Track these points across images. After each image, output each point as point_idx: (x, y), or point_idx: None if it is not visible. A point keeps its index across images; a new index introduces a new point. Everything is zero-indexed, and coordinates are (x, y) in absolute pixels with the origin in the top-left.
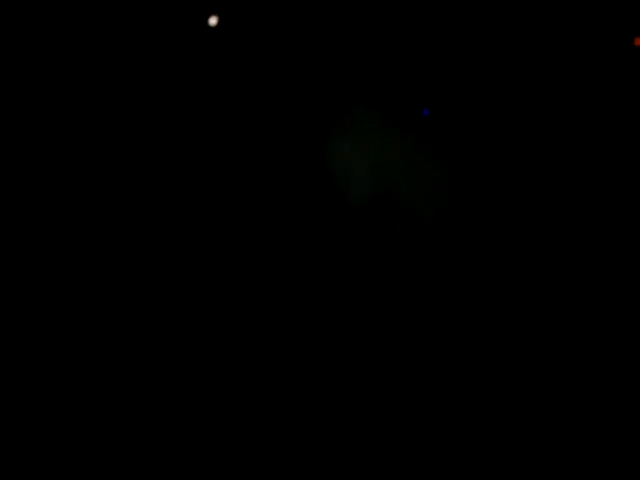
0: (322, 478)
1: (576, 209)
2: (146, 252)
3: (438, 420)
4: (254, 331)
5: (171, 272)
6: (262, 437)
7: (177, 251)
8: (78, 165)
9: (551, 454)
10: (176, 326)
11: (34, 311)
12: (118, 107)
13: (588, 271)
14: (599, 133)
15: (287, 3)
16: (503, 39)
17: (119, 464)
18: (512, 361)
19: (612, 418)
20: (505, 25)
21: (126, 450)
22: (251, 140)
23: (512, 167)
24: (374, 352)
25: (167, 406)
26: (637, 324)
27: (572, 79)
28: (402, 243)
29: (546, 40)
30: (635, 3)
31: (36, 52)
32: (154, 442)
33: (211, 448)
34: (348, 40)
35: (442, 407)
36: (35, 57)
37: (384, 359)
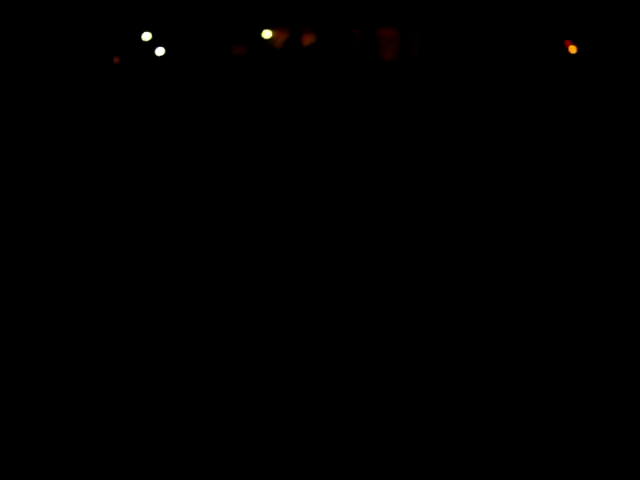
0: (322, 478)
1: (575, 209)
2: (145, 252)
3: (438, 420)
4: (254, 331)
5: (170, 271)
6: (261, 437)
7: (176, 250)
8: (77, 165)
9: (551, 454)
10: (175, 326)
11: (34, 311)
12: (117, 107)
13: (588, 270)
14: (596, 134)
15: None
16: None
17: (119, 464)
18: (512, 361)
19: (612, 418)
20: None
21: (126, 450)
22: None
23: (512, 167)
24: (374, 352)
25: (167, 406)
26: (637, 324)
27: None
28: (402, 243)
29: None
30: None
31: (36, 52)
32: (154, 442)
33: (211, 448)
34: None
35: (442, 407)
36: (35, 57)
37: (384, 359)
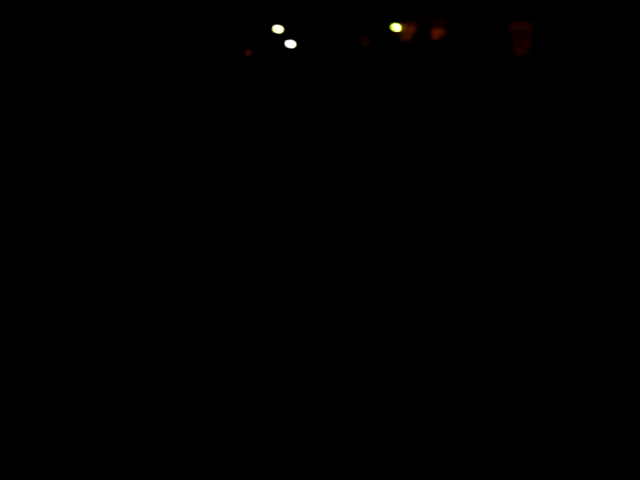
0: (322, 478)
1: (576, 209)
2: (145, 252)
3: (438, 420)
4: (254, 331)
5: (170, 272)
6: (262, 437)
7: (176, 251)
8: (78, 165)
9: (551, 454)
10: (175, 326)
11: (34, 311)
12: (118, 107)
13: (588, 271)
14: (598, 134)
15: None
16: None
17: (119, 464)
18: (512, 361)
19: (612, 418)
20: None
21: (126, 450)
22: (249, 140)
23: (512, 167)
24: (374, 352)
25: (167, 406)
26: (637, 324)
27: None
28: (402, 243)
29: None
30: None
31: (36, 52)
32: (154, 442)
33: (211, 448)
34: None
35: (442, 407)
36: (35, 57)
37: (384, 359)
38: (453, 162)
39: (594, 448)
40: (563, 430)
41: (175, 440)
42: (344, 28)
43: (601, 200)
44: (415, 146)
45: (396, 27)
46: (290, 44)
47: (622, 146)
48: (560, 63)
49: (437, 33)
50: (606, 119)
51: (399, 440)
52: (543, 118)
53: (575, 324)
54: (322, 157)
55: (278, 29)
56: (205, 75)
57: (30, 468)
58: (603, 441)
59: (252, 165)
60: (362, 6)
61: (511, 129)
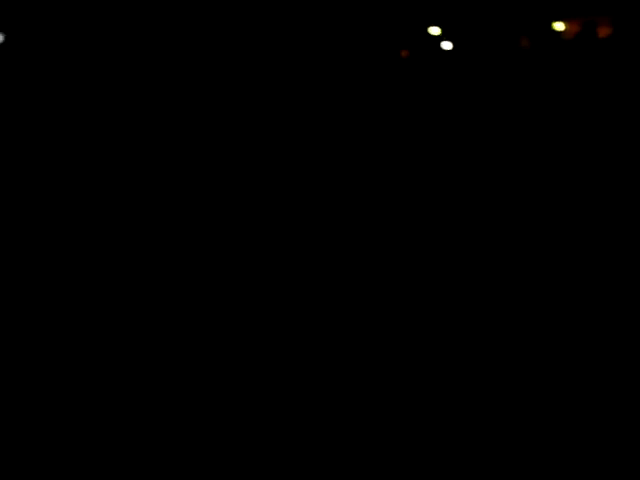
0: (322, 478)
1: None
2: (146, 252)
3: (438, 420)
4: (254, 331)
5: (170, 272)
6: (262, 437)
7: (177, 251)
8: (78, 165)
9: (551, 454)
10: (176, 326)
11: (34, 311)
12: (118, 107)
13: (588, 271)
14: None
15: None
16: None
17: (119, 464)
18: (512, 361)
19: (612, 418)
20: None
21: (126, 450)
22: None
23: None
24: (374, 352)
25: (167, 406)
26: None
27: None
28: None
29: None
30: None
31: (37, 52)
32: (154, 442)
33: (211, 448)
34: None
35: (442, 407)
36: (36, 57)
37: (384, 359)
38: (621, 168)
39: (594, 447)
40: (563, 429)
41: (175, 440)
42: (503, 28)
43: None
44: (581, 152)
45: (559, 26)
46: (447, 45)
47: None
48: None
49: (603, 31)
50: None
51: (399, 440)
52: None
53: (575, 324)
54: (485, 159)
55: (434, 30)
56: (362, 74)
57: (30, 468)
58: (603, 440)
59: (405, 165)
60: (521, 5)
61: None
